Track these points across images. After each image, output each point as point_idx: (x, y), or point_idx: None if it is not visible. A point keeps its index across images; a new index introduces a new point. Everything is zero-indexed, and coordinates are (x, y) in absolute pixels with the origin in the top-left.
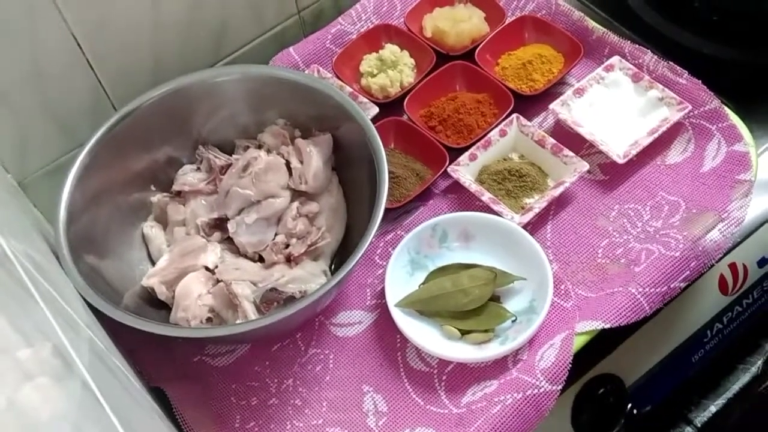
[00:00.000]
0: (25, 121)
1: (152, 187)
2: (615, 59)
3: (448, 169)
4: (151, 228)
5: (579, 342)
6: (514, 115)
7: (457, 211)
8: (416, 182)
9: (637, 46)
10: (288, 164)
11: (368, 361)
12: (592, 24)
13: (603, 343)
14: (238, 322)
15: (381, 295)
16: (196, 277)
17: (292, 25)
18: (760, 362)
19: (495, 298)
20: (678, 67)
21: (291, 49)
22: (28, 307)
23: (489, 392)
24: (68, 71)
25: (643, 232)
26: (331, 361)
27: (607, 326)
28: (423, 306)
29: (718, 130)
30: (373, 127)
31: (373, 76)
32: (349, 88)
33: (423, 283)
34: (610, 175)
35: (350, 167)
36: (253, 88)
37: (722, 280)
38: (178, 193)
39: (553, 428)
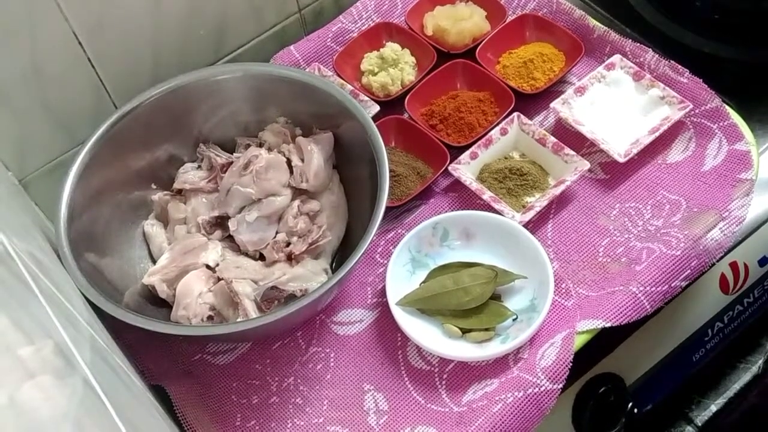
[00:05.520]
0: (26, 120)
1: (153, 186)
2: (616, 58)
3: (449, 168)
4: (151, 226)
5: (580, 341)
6: (515, 114)
7: (458, 209)
8: (417, 181)
9: (638, 44)
10: (289, 162)
11: (369, 360)
12: (593, 22)
13: (604, 341)
14: (238, 320)
15: (382, 293)
16: (197, 275)
17: (293, 24)
18: (760, 361)
19: (496, 297)
20: (679, 66)
21: (292, 47)
22: (30, 305)
23: (490, 391)
24: (69, 69)
25: (644, 230)
26: (332, 360)
27: (608, 325)
28: (424, 304)
29: (719, 129)
30: (374, 126)
31: (374, 74)
32: (350, 87)
33: (424, 282)
34: (611, 173)
35: (351, 165)
36: (254, 86)
37: (723, 279)
38: (179, 192)
39: (554, 427)
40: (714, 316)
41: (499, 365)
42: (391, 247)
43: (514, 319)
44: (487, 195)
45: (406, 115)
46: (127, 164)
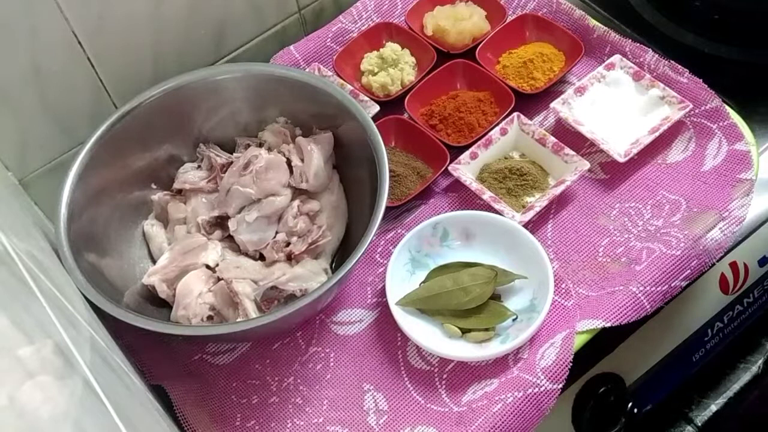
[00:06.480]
0: (25, 120)
1: (153, 186)
2: (616, 58)
3: (449, 168)
4: (151, 226)
5: (580, 341)
6: (515, 114)
7: (458, 209)
8: (417, 181)
9: (638, 44)
10: (289, 162)
11: (369, 360)
12: (593, 22)
13: (604, 341)
14: (238, 320)
15: (382, 293)
16: (197, 275)
17: (293, 24)
18: (760, 361)
19: (496, 297)
20: (679, 66)
21: (292, 47)
22: (30, 305)
23: (490, 391)
24: (69, 69)
25: (644, 230)
26: (331, 360)
27: (608, 325)
28: (424, 304)
29: (719, 129)
30: (374, 126)
31: (374, 74)
32: (349, 87)
33: (424, 282)
34: (611, 173)
35: (351, 166)
36: (254, 86)
37: (723, 279)
38: (179, 192)
39: (554, 427)
40: (714, 316)
41: (498, 365)
42: (391, 247)
43: (514, 319)
44: (487, 195)
45: (406, 115)
46: (127, 164)
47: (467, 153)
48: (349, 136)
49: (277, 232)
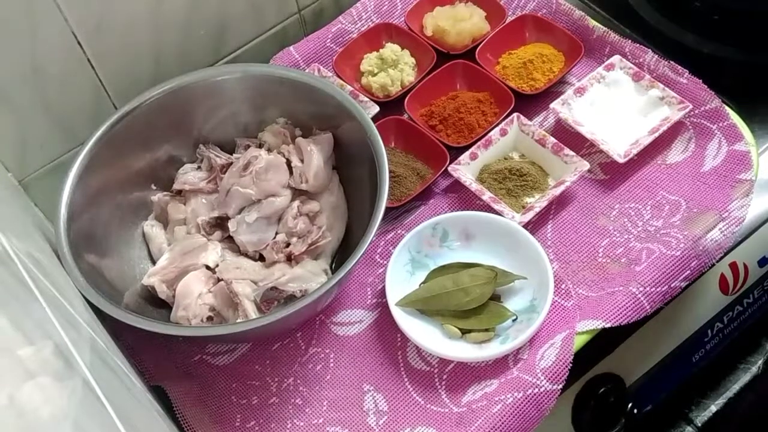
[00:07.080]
0: (25, 120)
1: (153, 186)
2: (616, 58)
3: (449, 168)
4: (151, 227)
5: (579, 341)
6: (515, 114)
7: (458, 210)
8: (417, 181)
9: (637, 45)
10: (289, 163)
11: (369, 360)
12: (592, 23)
13: (603, 342)
14: (238, 321)
15: (382, 294)
16: (197, 276)
17: (293, 24)
18: (760, 362)
19: (496, 297)
20: (679, 67)
21: (292, 48)
22: (29, 306)
23: (489, 391)
24: (69, 70)
25: (643, 231)
26: (331, 360)
27: (608, 325)
28: (424, 305)
29: (718, 130)
30: (373, 126)
31: (374, 75)
32: (349, 87)
33: (424, 282)
34: (611, 174)
35: (351, 166)
36: (253, 86)
37: (723, 280)
38: (179, 192)
39: (554, 427)
40: (714, 317)
41: (498, 366)
42: (390, 248)
43: (513, 320)
44: (486, 196)
45: (405, 116)
46: (127, 165)
47: (467, 153)
48: (349, 137)
49: (276, 233)
